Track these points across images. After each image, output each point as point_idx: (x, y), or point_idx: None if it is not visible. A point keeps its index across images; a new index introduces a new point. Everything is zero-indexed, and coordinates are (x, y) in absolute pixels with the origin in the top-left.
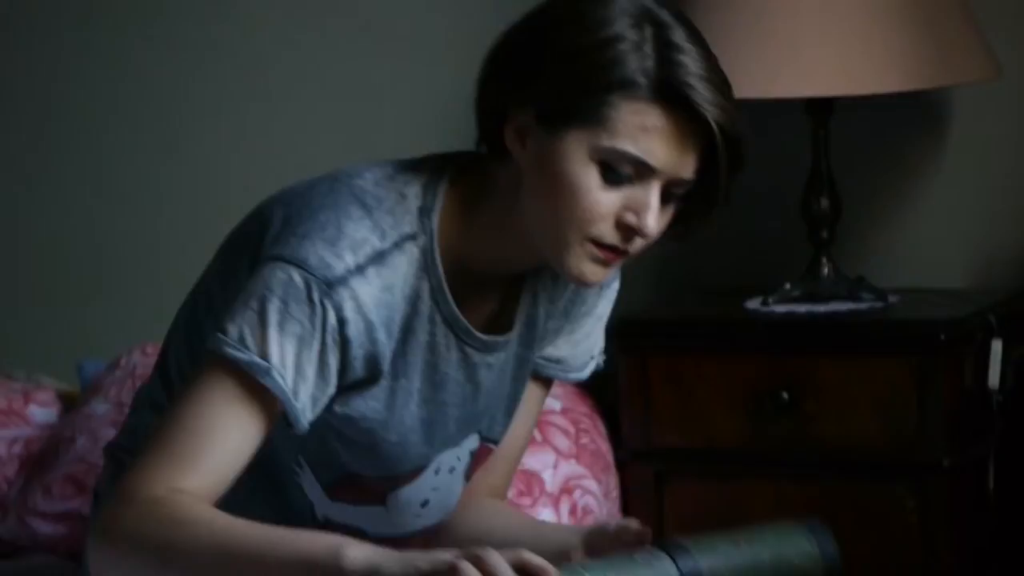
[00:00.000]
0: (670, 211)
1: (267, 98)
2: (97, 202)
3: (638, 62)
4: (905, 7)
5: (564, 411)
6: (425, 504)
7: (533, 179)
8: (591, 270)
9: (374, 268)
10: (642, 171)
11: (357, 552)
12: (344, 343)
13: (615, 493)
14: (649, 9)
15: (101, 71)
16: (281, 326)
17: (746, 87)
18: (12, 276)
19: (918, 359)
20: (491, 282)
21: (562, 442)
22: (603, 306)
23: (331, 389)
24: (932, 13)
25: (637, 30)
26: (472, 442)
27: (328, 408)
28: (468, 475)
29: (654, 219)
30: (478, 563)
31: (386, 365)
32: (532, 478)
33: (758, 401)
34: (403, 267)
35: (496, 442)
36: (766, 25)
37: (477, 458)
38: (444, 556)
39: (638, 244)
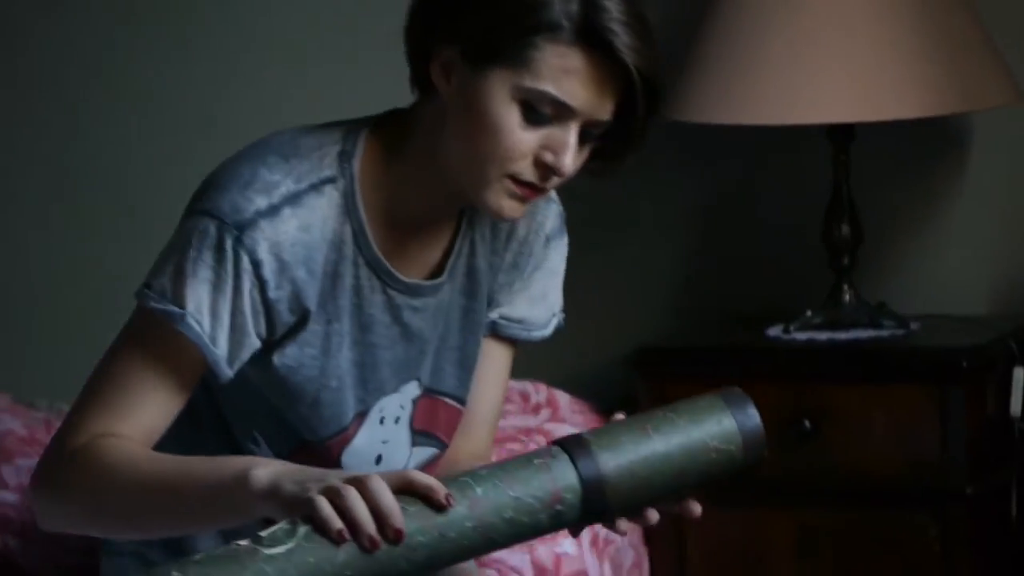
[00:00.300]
0: (586, 151)
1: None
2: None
3: (562, 6)
4: (926, 33)
5: None
6: (379, 460)
7: (456, 115)
8: (509, 205)
9: (289, 208)
10: (562, 112)
11: (263, 471)
12: (262, 285)
13: None
14: None
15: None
16: (196, 274)
17: (768, 113)
18: (40, 304)
19: (940, 386)
20: (425, 228)
21: None
22: (555, 260)
23: (254, 337)
24: (953, 39)
25: None
26: (412, 389)
27: (268, 364)
28: (414, 426)
29: (571, 159)
30: (361, 487)
31: (312, 305)
32: None
33: (780, 429)
34: (322, 208)
35: (452, 397)
36: (787, 51)
37: (426, 410)
38: (334, 481)
39: (554, 182)
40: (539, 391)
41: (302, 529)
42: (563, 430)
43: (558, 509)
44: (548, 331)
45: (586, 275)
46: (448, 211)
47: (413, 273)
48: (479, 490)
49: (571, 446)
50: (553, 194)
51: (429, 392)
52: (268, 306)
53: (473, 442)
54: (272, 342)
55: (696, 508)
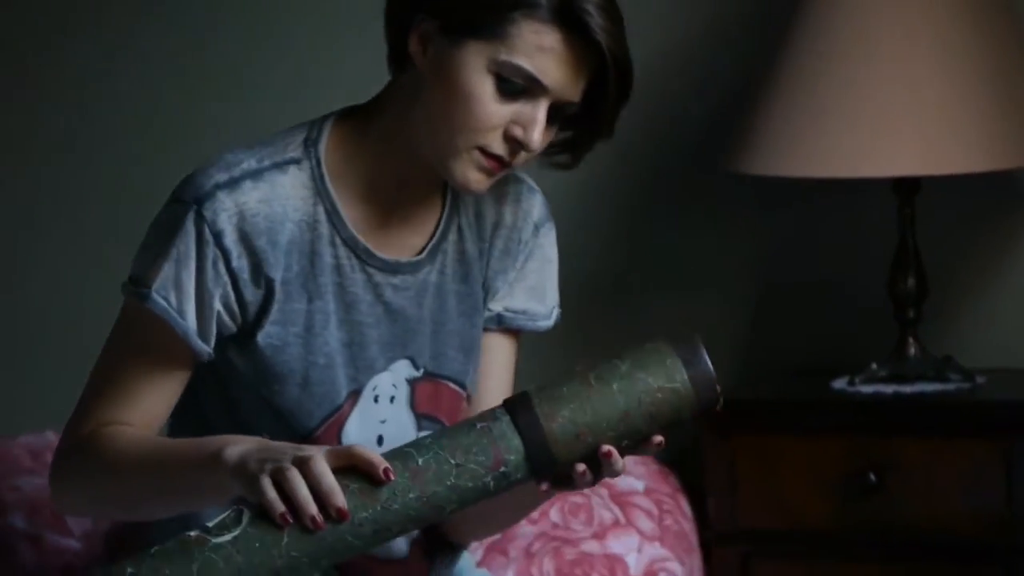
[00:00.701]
0: (553, 131)
1: None
2: None
3: None
4: (992, 86)
5: (647, 491)
6: (380, 441)
7: (431, 85)
8: (475, 177)
9: (250, 181)
10: (534, 88)
11: (233, 449)
12: (225, 256)
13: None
14: None
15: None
16: (162, 254)
17: (834, 166)
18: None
19: (1006, 440)
20: (405, 206)
21: (646, 524)
22: (547, 248)
23: (219, 307)
24: (1020, 93)
25: None
26: (404, 369)
27: (254, 347)
28: (417, 410)
29: (539, 134)
30: (304, 468)
31: (277, 275)
32: (616, 562)
33: (845, 482)
34: (284, 186)
35: (454, 381)
36: (853, 105)
37: (429, 394)
38: (284, 461)
39: (522, 158)
40: None
41: (247, 515)
42: (623, 483)
43: (503, 471)
44: (551, 322)
45: (651, 326)
46: (426, 189)
47: (396, 252)
48: (420, 460)
49: (514, 404)
50: (534, 184)
51: (431, 376)
52: (233, 276)
53: None
54: (251, 324)
55: (657, 440)
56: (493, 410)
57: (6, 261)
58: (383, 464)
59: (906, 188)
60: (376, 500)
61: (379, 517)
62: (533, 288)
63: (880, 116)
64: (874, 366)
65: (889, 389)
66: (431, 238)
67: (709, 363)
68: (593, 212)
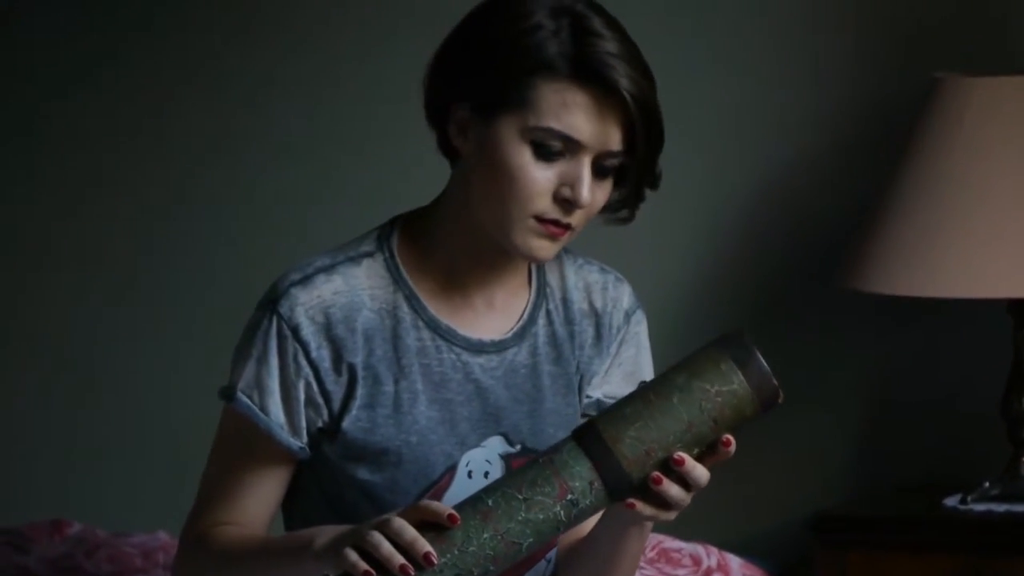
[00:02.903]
0: (608, 184)
1: None
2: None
3: (556, 46)
4: None
5: None
6: None
7: (477, 168)
8: (538, 244)
9: (324, 275)
10: (570, 145)
11: (321, 540)
12: (305, 349)
13: None
14: (568, 5)
15: None
16: (246, 355)
17: (948, 287)
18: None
19: None
20: (490, 286)
21: None
22: (640, 335)
23: (303, 398)
24: None
25: (554, 20)
26: (497, 444)
27: (343, 436)
28: None
29: (587, 190)
30: (384, 529)
31: (357, 359)
32: None
33: None
34: (359, 277)
35: None
36: (969, 226)
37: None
38: (363, 530)
39: (579, 216)
40: (710, 554)
41: None
42: None
43: (570, 498)
44: None
45: (762, 438)
46: (511, 272)
47: (483, 334)
48: (490, 501)
49: (578, 432)
50: (621, 275)
51: (529, 451)
52: (314, 367)
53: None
54: (338, 413)
55: (726, 441)
56: (557, 443)
57: (122, 365)
58: (447, 510)
59: (1021, 309)
60: (453, 544)
61: (458, 561)
62: (630, 374)
63: (996, 238)
64: (986, 484)
65: (1001, 508)
66: (519, 320)
67: (762, 360)
68: (708, 329)
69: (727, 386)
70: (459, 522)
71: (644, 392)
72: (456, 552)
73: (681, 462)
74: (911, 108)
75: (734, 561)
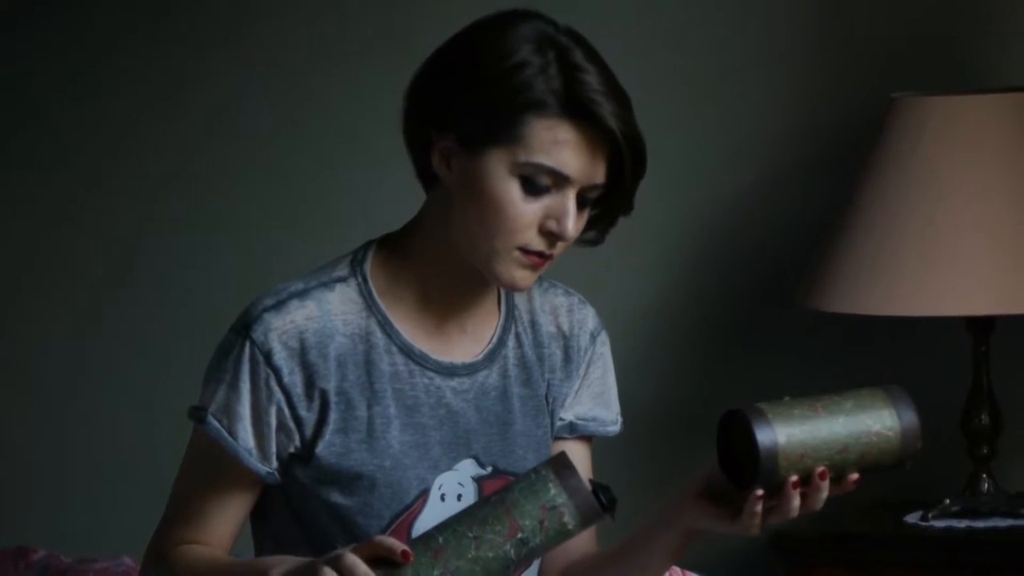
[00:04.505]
0: (585, 214)
1: None
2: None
3: (545, 83)
4: None
5: None
6: None
7: (461, 198)
8: (521, 275)
9: (297, 300)
10: (558, 180)
11: (279, 568)
12: (276, 373)
13: None
14: (548, 34)
15: None
16: (217, 379)
17: (908, 305)
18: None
19: None
20: (464, 310)
21: None
22: (606, 355)
23: (275, 424)
24: None
25: (540, 55)
26: (469, 467)
27: (316, 460)
28: None
29: (573, 223)
30: (336, 564)
31: (330, 385)
32: None
33: None
34: (332, 302)
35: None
36: (928, 245)
37: (493, 489)
38: (319, 566)
39: (560, 247)
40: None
41: None
42: None
43: (520, 537)
44: (618, 427)
45: None
46: (481, 297)
47: (455, 357)
48: (441, 539)
49: (749, 412)
50: (583, 298)
51: (501, 473)
52: (286, 392)
53: (574, 549)
54: (311, 439)
55: (854, 478)
56: (528, 470)
57: (85, 391)
58: (400, 547)
59: (980, 327)
60: None
61: None
62: (599, 395)
63: (955, 256)
64: (947, 501)
65: (962, 524)
66: (488, 343)
67: (917, 419)
68: (669, 349)
69: (885, 430)
70: (412, 559)
71: (812, 402)
72: None
73: (824, 476)
74: (868, 128)
75: None
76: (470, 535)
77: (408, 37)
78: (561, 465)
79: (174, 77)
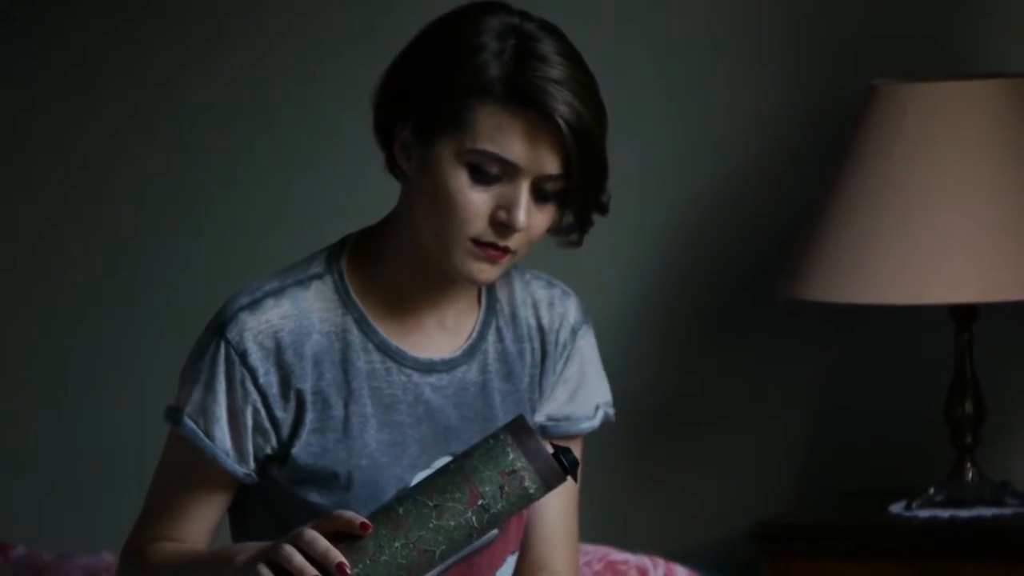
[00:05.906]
0: (549, 208)
1: None
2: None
3: (496, 69)
4: None
5: None
6: None
7: (418, 189)
8: (478, 267)
9: (272, 299)
10: (507, 169)
11: (241, 557)
12: (252, 373)
13: None
14: (517, 25)
15: None
16: (193, 380)
17: (890, 293)
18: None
19: None
20: (441, 306)
21: None
22: (586, 350)
23: (251, 424)
24: None
25: (499, 41)
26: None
27: (292, 460)
28: None
29: (523, 213)
30: (296, 541)
31: (306, 385)
32: None
33: None
34: (308, 300)
35: None
36: (910, 233)
37: None
38: (280, 544)
39: (518, 240)
40: (657, 565)
41: None
42: None
43: (481, 504)
44: (596, 422)
45: (706, 448)
46: (460, 292)
47: (435, 353)
48: (401, 509)
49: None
50: (568, 289)
51: None
52: (262, 393)
53: (554, 560)
54: (287, 439)
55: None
56: (467, 450)
57: (64, 387)
58: (359, 519)
59: (963, 315)
60: (365, 554)
61: (370, 570)
62: (574, 391)
63: (937, 244)
64: (931, 490)
65: (946, 513)
66: (468, 337)
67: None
68: (652, 342)
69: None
70: (371, 531)
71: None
72: (368, 562)
73: None
74: (849, 115)
75: (680, 572)
76: (430, 504)
77: (391, 36)
78: (519, 429)
79: (157, 77)
